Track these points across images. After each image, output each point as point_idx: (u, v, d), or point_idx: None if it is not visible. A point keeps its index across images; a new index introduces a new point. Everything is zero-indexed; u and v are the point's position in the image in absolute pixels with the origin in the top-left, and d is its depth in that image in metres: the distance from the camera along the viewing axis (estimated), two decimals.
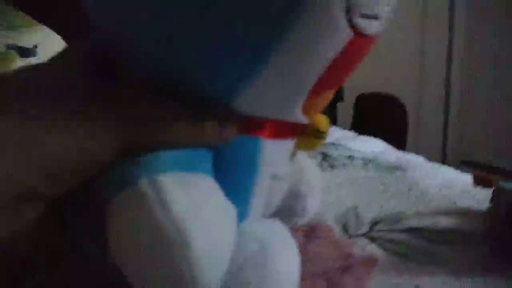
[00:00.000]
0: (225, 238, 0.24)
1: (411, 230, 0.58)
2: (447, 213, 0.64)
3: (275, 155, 0.32)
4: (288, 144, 0.36)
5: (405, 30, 2.46)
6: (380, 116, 2.12)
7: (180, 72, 0.23)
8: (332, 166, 0.86)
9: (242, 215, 0.30)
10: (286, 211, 0.59)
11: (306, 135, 0.42)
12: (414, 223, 0.60)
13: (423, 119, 2.54)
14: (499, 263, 0.50)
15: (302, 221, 0.60)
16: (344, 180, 0.79)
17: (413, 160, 0.89)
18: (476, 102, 2.41)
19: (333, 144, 1.02)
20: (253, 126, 0.28)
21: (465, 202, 0.67)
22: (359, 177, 0.80)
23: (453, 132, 2.46)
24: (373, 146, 1.02)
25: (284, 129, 0.31)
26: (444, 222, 0.61)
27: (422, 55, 2.57)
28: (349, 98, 2.46)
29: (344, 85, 2.52)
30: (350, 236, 0.57)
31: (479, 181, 0.53)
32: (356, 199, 0.69)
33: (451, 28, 2.33)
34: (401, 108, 2.27)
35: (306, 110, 0.28)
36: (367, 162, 0.88)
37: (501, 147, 2.18)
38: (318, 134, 0.47)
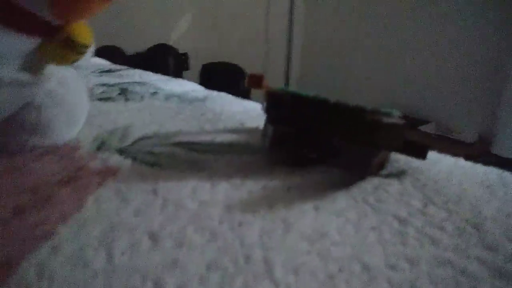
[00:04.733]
0: None
1: (182, 144, 0.50)
2: (231, 131, 0.58)
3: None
4: (23, 44, 0.33)
5: (251, 8, 2.51)
6: (224, 82, 2.09)
7: None
8: (127, 99, 0.74)
9: None
10: (17, 124, 0.45)
11: (59, 44, 0.39)
12: (190, 138, 0.53)
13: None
14: (260, 166, 0.45)
15: (40, 139, 0.46)
16: (133, 109, 0.67)
17: (219, 94, 0.83)
18: (313, 72, 2.60)
19: (140, 83, 0.90)
20: None
21: (253, 124, 0.62)
22: (153, 106, 0.70)
23: None
24: (187, 87, 0.93)
25: (23, 21, 0.29)
26: (224, 138, 0.54)
27: (266, 31, 2.65)
28: (195, 67, 2.41)
29: (190, 55, 2.46)
30: (99, 151, 0.46)
31: (251, 81, 0.47)
32: (135, 121, 0.58)
33: (291, 9, 2.44)
34: (244, 75, 2.30)
35: (59, 10, 0.28)
36: (171, 97, 0.79)
37: None
38: (74, 45, 0.40)
